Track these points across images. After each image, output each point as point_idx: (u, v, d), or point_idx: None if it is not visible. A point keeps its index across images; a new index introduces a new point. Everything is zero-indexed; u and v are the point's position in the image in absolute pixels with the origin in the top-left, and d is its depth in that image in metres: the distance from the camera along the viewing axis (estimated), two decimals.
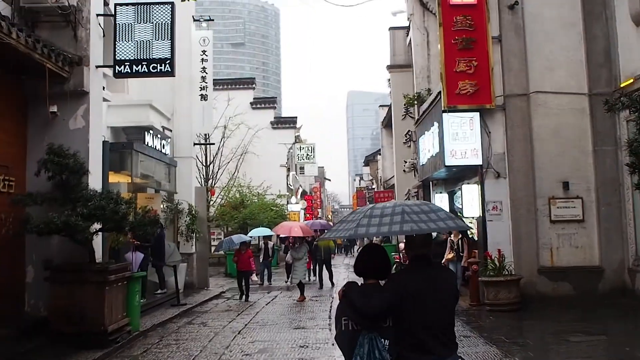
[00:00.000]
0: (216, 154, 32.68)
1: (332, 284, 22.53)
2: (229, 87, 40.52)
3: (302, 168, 51.38)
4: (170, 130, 20.65)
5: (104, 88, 13.65)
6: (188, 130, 21.27)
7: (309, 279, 23.31)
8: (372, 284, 4.46)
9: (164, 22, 12.33)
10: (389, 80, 32.10)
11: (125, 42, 12.28)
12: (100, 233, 11.12)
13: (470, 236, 16.97)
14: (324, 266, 23.15)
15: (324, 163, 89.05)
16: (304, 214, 51.85)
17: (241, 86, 42.87)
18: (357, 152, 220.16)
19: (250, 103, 41.81)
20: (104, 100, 13.90)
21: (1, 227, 10.39)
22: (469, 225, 16.62)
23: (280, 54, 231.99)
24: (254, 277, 19.09)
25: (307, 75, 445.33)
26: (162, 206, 19.84)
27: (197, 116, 21.30)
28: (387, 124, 37.16)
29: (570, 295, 14.49)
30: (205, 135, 25.14)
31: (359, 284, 4.48)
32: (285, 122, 45.29)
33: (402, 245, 19.12)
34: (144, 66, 12.29)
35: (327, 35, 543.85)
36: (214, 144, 28.27)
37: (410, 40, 25.56)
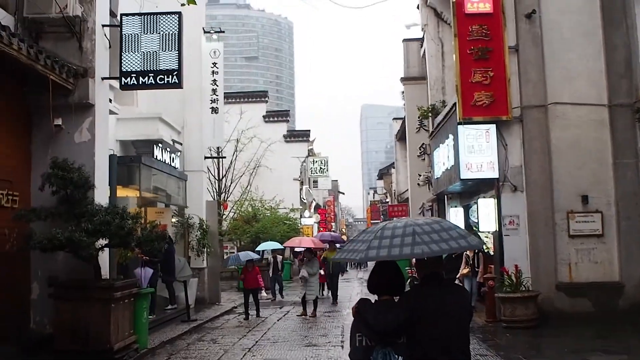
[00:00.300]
0: (229, 167, 32.49)
1: (335, 301, 21.89)
2: (242, 100, 40.40)
3: (315, 181, 51.17)
4: (181, 144, 20.42)
5: (111, 100, 13.43)
6: (199, 143, 21.03)
7: (322, 294, 22.85)
8: (385, 300, 4.46)
9: (171, 32, 12.03)
10: (403, 92, 31.87)
11: (131, 54, 11.98)
12: (106, 249, 10.83)
13: (486, 251, 16.64)
14: (331, 280, 22.62)
15: (337, 176, 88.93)
16: (318, 227, 51.55)
17: (254, 99, 42.76)
18: (371, 166, 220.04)
19: (263, 116, 41.68)
20: (111, 113, 13.67)
21: (5, 243, 10.14)
22: (483, 240, 16.34)
23: (294, 67, 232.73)
24: (264, 294, 18.62)
25: (320, 89, 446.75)
26: (172, 220, 19.59)
27: (208, 129, 21.03)
28: (401, 137, 36.87)
29: (589, 312, 14.07)
30: (218, 148, 24.93)
31: (372, 301, 4.46)
32: (298, 136, 45.14)
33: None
34: (151, 78, 11.98)
35: (340, 48, 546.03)
36: (225, 157, 28.06)
37: (424, 52, 25.33)
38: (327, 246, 24.00)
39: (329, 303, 21.32)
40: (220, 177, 31.96)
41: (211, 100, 21.08)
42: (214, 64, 21.17)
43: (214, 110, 21.13)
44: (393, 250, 4.05)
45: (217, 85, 21.25)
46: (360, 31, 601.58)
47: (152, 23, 12.07)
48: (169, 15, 12.18)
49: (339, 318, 17.40)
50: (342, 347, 12.37)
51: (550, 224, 14.65)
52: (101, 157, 11.48)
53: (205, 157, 22.07)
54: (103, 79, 11.67)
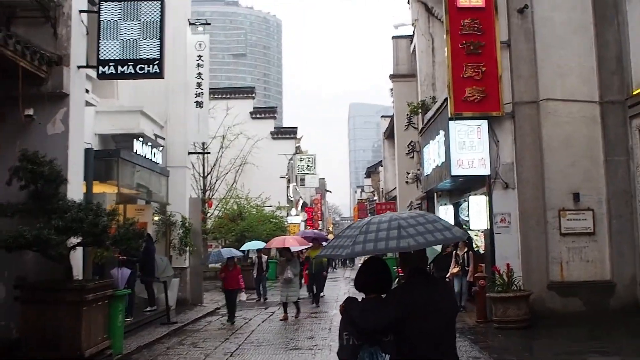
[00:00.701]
0: (214, 164, 31.97)
1: (318, 295, 21.07)
2: (228, 96, 39.93)
3: (302, 179, 50.63)
4: (164, 139, 19.82)
5: (88, 91, 12.86)
6: (182, 138, 20.45)
7: (312, 295, 22.02)
8: (372, 298, 4.44)
9: (152, 19, 11.45)
10: (392, 90, 31.62)
11: (110, 41, 11.38)
12: (78, 248, 10.25)
13: (476, 249, 16.32)
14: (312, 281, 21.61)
15: (324, 175, 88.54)
16: (305, 226, 51.08)
17: (240, 95, 42.30)
18: (359, 164, 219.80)
19: (250, 113, 41.22)
20: (88, 104, 13.08)
21: None
22: (473, 236, 15.99)
23: (282, 65, 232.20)
24: (243, 297, 17.79)
25: (308, 87, 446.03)
26: (155, 218, 19.01)
27: (192, 124, 20.50)
28: (389, 134, 36.59)
29: (581, 311, 13.94)
30: (202, 144, 24.40)
31: (359, 299, 4.46)
32: (285, 133, 44.75)
33: None
34: (131, 67, 11.40)
35: (329, 47, 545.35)
36: (209, 153, 27.47)
37: (414, 48, 25.12)
38: (311, 244, 23.34)
39: (313, 305, 20.58)
40: (205, 174, 31.44)
41: (196, 94, 20.59)
42: (199, 56, 20.67)
43: (199, 104, 20.63)
44: (379, 245, 4.03)
45: (203, 79, 20.77)
46: (349, 31, 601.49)
47: (132, 9, 11.50)
48: (150, 2, 11.61)
49: (325, 319, 16.90)
50: (330, 350, 11.91)
51: (541, 221, 14.46)
52: (75, 150, 10.91)
53: (189, 153, 21.50)
54: (79, 67, 11.13)
